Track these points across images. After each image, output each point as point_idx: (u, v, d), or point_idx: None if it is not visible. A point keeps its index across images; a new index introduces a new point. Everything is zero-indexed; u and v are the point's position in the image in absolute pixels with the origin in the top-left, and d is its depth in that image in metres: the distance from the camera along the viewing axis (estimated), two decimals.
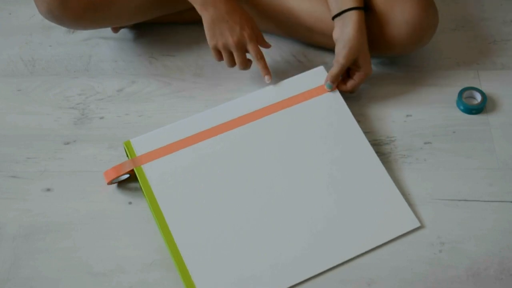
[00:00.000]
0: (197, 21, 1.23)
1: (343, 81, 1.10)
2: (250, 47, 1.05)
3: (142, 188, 1.00)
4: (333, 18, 1.05)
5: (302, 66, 1.19)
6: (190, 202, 0.99)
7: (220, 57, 1.08)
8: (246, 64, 1.08)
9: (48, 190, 1.05)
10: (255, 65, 1.11)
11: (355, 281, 0.95)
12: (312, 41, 1.19)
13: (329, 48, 1.16)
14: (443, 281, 0.95)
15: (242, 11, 1.05)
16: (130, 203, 1.03)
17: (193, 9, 1.09)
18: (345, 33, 1.02)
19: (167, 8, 1.19)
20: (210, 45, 1.06)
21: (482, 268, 0.96)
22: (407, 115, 1.12)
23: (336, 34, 1.05)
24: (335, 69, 1.06)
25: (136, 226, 1.01)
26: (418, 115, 1.12)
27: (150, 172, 1.01)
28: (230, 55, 1.07)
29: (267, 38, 1.17)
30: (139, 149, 1.03)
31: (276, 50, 1.21)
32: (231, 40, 1.04)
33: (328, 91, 1.09)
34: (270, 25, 1.20)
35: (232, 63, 1.08)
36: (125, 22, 1.17)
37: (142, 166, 1.02)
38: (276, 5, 1.16)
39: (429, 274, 0.95)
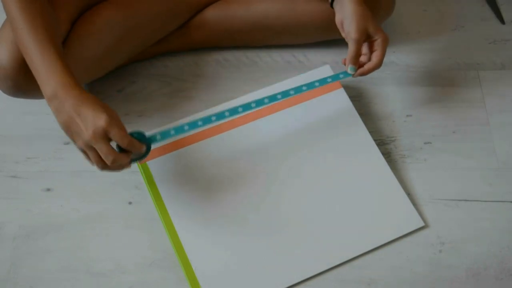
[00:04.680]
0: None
1: (366, 62, 1.03)
2: (112, 134, 0.85)
3: (147, 185, 1.01)
4: (331, 5, 1.04)
5: (302, 66, 1.18)
6: (194, 200, 0.99)
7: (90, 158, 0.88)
8: (115, 157, 0.86)
9: (48, 190, 1.05)
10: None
11: (355, 281, 0.95)
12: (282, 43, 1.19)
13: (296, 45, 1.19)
14: (443, 281, 0.95)
15: (94, 100, 0.86)
16: (130, 203, 1.03)
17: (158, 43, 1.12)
18: (347, 10, 0.99)
19: (135, 45, 1.12)
20: (78, 147, 0.88)
21: (482, 268, 0.96)
22: (407, 115, 1.12)
23: (338, 17, 1.01)
24: (351, 47, 0.99)
25: (136, 226, 1.01)
26: (418, 115, 1.12)
27: (155, 169, 1.02)
28: (96, 152, 0.86)
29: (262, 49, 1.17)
30: None
31: (276, 50, 1.21)
32: (85, 134, 0.84)
33: (341, 87, 1.04)
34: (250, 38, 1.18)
35: (101, 162, 0.87)
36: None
37: (147, 162, 1.02)
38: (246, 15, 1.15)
39: (429, 274, 0.95)
